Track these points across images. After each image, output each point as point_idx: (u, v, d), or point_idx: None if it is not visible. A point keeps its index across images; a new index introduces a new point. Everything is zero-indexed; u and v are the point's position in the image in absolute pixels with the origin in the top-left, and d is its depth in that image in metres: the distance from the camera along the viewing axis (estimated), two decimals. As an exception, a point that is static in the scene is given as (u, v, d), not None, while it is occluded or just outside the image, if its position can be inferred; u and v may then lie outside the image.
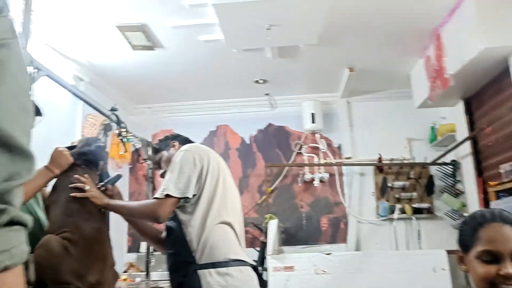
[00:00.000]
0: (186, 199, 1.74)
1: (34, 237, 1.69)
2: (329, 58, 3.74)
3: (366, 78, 4.19)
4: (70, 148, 1.99)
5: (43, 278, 1.57)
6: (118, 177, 2.11)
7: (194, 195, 1.76)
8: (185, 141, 2.15)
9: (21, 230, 0.50)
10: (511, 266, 1.10)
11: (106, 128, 2.42)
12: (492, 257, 1.14)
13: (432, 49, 3.49)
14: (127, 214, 1.87)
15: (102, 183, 2.07)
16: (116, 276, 1.84)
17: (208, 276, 1.64)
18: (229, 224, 1.79)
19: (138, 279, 2.80)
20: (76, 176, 1.88)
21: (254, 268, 1.82)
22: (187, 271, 1.68)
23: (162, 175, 2.04)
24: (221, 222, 1.76)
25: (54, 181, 1.95)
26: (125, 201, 1.96)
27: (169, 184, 1.73)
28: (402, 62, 3.90)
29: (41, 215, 2.00)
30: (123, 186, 4.48)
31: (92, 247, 1.68)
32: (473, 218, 1.22)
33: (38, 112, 1.99)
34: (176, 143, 2.10)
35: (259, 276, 1.84)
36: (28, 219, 0.51)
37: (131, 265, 3.67)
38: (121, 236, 4.44)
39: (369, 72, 4.06)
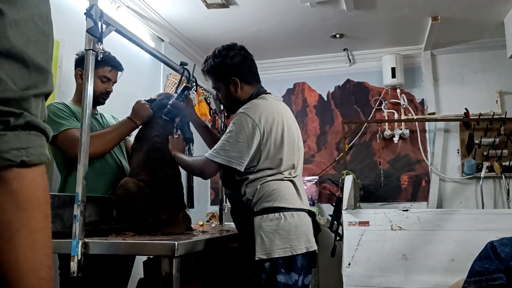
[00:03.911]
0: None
1: (119, 182, 1.89)
2: (409, 6, 3.51)
3: (452, 28, 3.90)
4: (150, 101, 2.16)
5: (121, 214, 1.78)
6: (186, 89, 2.12)
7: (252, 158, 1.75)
8: (251, 80, 1.90)
9: (40, 136, 0.54)
10: None
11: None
12: None
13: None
14: (183, 167, 1.92)
15: (170, 103, 2.10)
16: (187, 218, 2.00)
17: (260, 221, 1.72)
18: (287, 179, 1.82)
19: (213, 225, 3.01)
20: None
21: (311, 214, 1.87)
22: (244, 218, 1.79)
23: (217, 97, 2.01)
24: (278, 179, 1.79)
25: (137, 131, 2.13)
26: (185, 155, 1.96)
27: (221, 150, 1.72)
28: (494, 8, 3.56)
29: (124, 163, 2.22)
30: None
31: (164, 189, 1.83)
32: None
33: (119, 67, 2.19)
34: (238, 82, 1.86)
35: (315, 222, 1.89)
36: (47, 127, 0.55)
37: (212, 215, 3.92)
38: (205, 190, 4.74)
39: (456, 21, 3.77)
